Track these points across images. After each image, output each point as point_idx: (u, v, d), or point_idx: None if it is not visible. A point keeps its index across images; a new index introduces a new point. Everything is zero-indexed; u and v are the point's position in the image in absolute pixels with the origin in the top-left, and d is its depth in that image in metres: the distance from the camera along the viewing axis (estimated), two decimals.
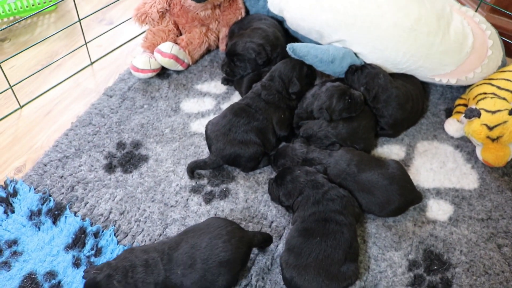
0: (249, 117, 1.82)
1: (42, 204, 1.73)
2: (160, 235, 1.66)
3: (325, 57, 1.95)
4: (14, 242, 1.64)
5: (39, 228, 1.68)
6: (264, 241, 1.59)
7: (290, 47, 1.95)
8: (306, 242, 1.48)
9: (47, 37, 2.15)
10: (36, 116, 2.07)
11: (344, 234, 1.49)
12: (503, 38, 2.12)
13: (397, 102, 1.90)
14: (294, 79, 1.91)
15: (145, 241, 1.64)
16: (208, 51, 2.33)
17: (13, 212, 1.72)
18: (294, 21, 2.13)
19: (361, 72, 1.93)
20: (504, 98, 1.88)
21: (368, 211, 1.71)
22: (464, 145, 1.99)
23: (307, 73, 1.96)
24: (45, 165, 1.86)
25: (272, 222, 1.71)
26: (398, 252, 1.64)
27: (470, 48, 1.96)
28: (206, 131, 1.86)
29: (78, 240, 1.65)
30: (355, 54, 2.02)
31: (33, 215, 1.71)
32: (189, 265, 1.42)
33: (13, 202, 1.74)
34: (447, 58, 1.97)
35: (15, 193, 1.76)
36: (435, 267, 1.61)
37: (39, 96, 2.14)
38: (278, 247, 1.64)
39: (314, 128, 1.83)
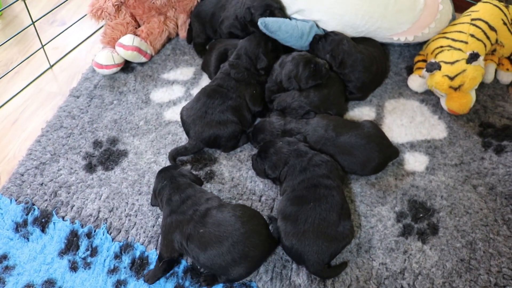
0: (222, 97, 1.84)
1: (27, 214, 1.70)
2: (153, 226, 1.66)
3: (295, 33, 1.99)
4: (4, 257, 1.61)
5: (27, 238, 1.65)
6: None
7: (262, 21, 1.98)
8: (301, 209, 1.52)
9: (1, 45, 2.07)
10: (2, 127, 2.01)
11: (335, 196, 1.55)
12: None
13: (363, 65, 1.97)
14: (261, 55, 1.94)
15: (139, 234, 1.65)
16: (169, 39, 2.32)
17: None
18: None
19: (325, 40, 1.99)
20: (459, 49, 1.98)
21: (351, 172, 1.78)
22: (429, 98, 2.09)
23: (272, 48, 2.00)
24: (22, 175, 1.82)
25: (261, 196, 1.75)
26: (384, 206, 1.72)
27: (423, 5, 2.05)
28: (181, 117, 1.87)
29: (71, 244, 1.63)
30: (316, 23, 2.06)
31: (19, 226, 1.68)
32: (216, 236, 1.44)
33: None
34: (402, 17, 2.05)
35: None
36: (421, 215, 1.69)
37: (1, 106, 2.08)
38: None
39: (287, 100, 1.87)
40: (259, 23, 1.98)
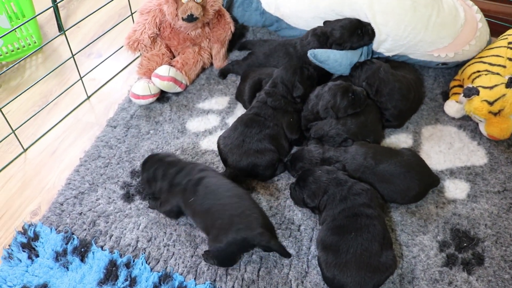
0: (260, 125, 1.84)
1: (67, 244, 1.71)
2: (192, 256, 1.65)
3: (344, 61, 2.01)
4: (45, 286, 1.61)
5: (67, 268, 1.65)
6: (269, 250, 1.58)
7: (311, 53, 2.01)
8: (342, 239, 1.50)
9: (43, 77, 2.13)
10: (42, 157, 2.05)
11: (376, 226, 1.52)
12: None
13: (400, 94, 1.95)
14: (297, 83, 1.94)
15: (178, 264, 1.64)
16: (203, 69, 2.35)
17: (37, 256, 1.69)
18: (294, 14, 2.20)
19: (361, 69, 1.98)
20: (497, 73, 1.95)
21: (391, 200, 1.75)
22: (466, 124, 2.05)
23: (308, 76, 2.00)
24: (62, 204, 1.84)
25: (300, 225, 1.73)
26: (426, 235, 1.68)
27: (463, 20, 2.04)
28: (218, 146, 1.88)
29: (110, 274, 1.63)
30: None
31: (59, 255, 1.68)
32: (205, 210, 1.56)
33: (36, 246, 1.71)
34: (444, 31, 2.04)
35: (36, 237, 1.74)
36: (465, 244, 1.65)
37: (41, 137, 2.12)
38: (311, 249, 1.66)
39: (324, 128, 1.86)
40: (309, 53, 2.01)
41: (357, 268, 1.45)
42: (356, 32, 2.04)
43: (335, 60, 2.00)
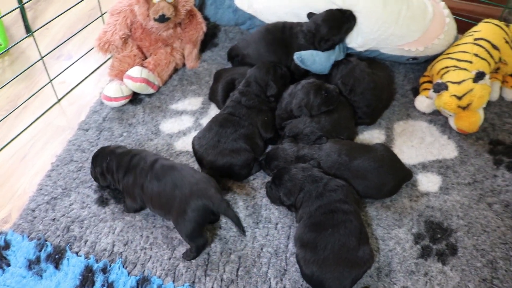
0: (235, 125, 1.84)
1: (40, 251, 1.67)
2: (169, 258, 1.64)
3: (328, 64, 2.05)
4: None
5: (41, 276, 1.62)
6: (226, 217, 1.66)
7: (299, 56, 2.02)
8: (319, 236, 1.51)
9: (10, 81, 2.07)
10: (12, 162, 2.00)
11: (353, 221, 1.53)
12: None
13: (373, 93, 1.98)
14: (270, 82, 1.95)
15: (156, 267, 1.62)
16: (175, 70, 2.33)
17: (9, 265, 1.64)
18: (267, 10, 2.21)
19: (337, 68, 2.01)
20: (465, 69, 2.00)
21: (365, 196, 1.77)
22: (436, 118, 2.10)
23: (282, 75, 2.01)
24: (33, 211, 1.80)
25: (277, 224, 1.73)
26: (401, 228, 1.71)
27: (432, 15, 2.09)
28: (193, 147, 1.87)
29: (86, 280, 1.60)
30: None
31: (32, 264, 1.64)
32: (163, 184, 1.61)
33: (7, 255, 1.67)
34: (414, 24, 2.08)
35: (7, 245, 1.69)
36: (439, 236, 1.68)
37: (10, 142, 2.07)
38: (289, 246, 1.67)
39: (299, 126, 1.88)
40: (295, 57, 2.02)
41: (335, 263, 1.46)
42: (343, 23, 2.05)
43: (321, 63, 2.03)
